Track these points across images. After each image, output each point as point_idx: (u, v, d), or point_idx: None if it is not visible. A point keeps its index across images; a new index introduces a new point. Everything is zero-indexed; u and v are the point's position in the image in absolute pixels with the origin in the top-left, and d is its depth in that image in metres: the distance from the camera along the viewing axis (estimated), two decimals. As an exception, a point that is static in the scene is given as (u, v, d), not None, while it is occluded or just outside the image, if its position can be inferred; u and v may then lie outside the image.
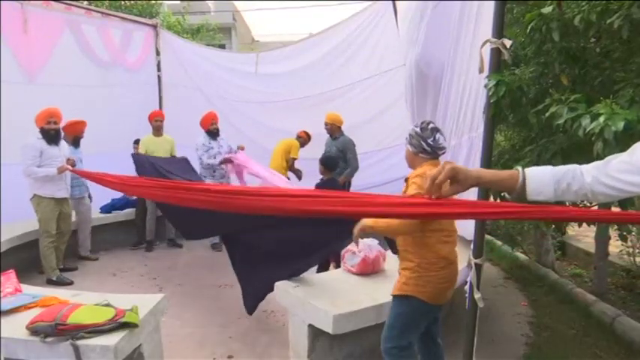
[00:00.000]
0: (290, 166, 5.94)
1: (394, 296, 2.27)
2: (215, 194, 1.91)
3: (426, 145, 2.18)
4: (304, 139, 6.16)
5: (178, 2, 16.50)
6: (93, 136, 5.20)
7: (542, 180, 1.18)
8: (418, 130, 2.22)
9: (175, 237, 5.88)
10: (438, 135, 2.21)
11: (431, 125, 2.23)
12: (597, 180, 1.15)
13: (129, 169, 4.52)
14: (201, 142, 5.60)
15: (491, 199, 2.35)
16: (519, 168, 1.20)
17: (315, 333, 2.64)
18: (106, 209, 5.82)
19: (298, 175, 6.03)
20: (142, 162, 4.83)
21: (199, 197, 2.00)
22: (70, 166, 4.49)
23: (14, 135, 4.74)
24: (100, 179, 3.44)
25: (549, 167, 1.21)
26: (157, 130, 5.69)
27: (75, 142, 5.04)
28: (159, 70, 6.74)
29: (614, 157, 1.16)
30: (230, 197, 1.79)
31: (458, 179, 1.20)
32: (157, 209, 5.41)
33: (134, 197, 5.93)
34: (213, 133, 5.64)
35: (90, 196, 5.31)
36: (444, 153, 2.25)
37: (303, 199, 1.57)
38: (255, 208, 1.73)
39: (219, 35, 17.59)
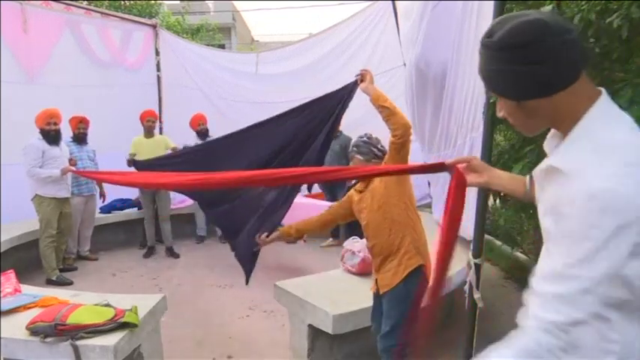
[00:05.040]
0: None
1: (400, 282, 2.22)
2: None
3: (376, 150, 2.32)
4: None
5: (178, 2, 16.52)
6: (93, 136, 5.19)
7: None
8: (365, 139, 2.36)
9: (174, 246, 5.58)
10: (381, 143, 2.38)
11: (374, 134, 2.40)
12: None
13: (128, 169, 4.45)
14: (189, 143, 5.49)
15: (491, 198, 2.36)
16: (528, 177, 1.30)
17: (314, 333, 2.64)
18: (106, 209, 5.81)
19: None
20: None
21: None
22: (73, 167, 4.48)
23: (14, 135, 4.74)
24: (101, 177, 3.41)
25: None
26: (149, 131, 5.44)
27: (78, 140, 5.01)
28: (158, 70, 6.73)
29: None
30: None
31: (474, 169, 1.35)
32: (154, 214, 5.25)
33: (134, 198, 5.94)
34: (202, 134, 5.72)
35: (103, 194, 5.31)
36: None
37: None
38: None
39: (219, 35, 17.62)
